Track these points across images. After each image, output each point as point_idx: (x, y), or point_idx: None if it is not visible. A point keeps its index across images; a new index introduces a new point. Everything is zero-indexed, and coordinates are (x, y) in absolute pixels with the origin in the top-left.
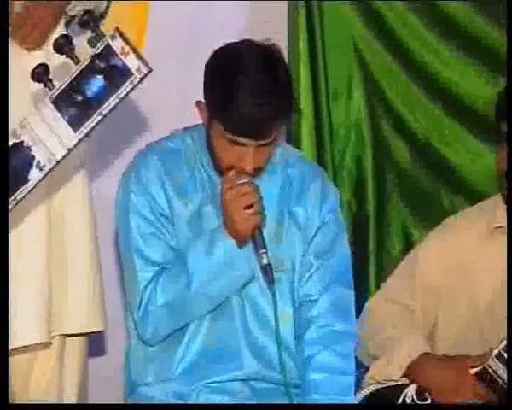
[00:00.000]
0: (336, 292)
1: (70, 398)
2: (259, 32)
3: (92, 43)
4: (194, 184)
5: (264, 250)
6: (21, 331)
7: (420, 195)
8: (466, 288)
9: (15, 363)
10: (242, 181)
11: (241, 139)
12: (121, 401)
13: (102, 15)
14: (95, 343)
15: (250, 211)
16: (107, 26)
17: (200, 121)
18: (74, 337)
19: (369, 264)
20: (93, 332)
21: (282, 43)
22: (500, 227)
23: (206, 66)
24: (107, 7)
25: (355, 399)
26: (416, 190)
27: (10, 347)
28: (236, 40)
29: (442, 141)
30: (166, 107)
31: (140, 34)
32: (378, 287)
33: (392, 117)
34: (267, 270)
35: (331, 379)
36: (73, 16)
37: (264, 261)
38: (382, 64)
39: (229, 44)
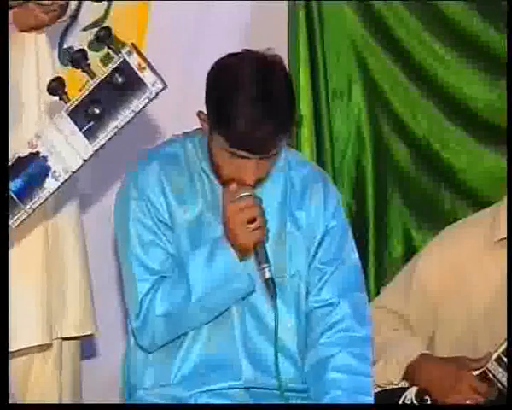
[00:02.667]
0: (354, 298)
1: (64, 401)
2: (259, 32)
3: (105, 61)
4: (195, 191)
5: (266, 265)
6: (24, 334)
7: (420, 196)
8: (464, 300)
9: (14, 366)
10: (245, 194)
11: (242, 153)
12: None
13: (103, 17)
14: (90, 346)
15: (252, 226)
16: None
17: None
18: (68, 341)
19: (369, 265)
20: (86, 335)
21: (282, 44)
22: (501, 240)
23: (206, 79)
24: (108, 8)
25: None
26: (416, 192)
27: (13, 349)
28: (237, 45)
29: (442, 143)
30: (166, 108)
31: (140, 35)
32: (378, 288)
33: (392, 119)
34: (270, 285)
35: (351, 379)
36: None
37: (267, 276)
38: (382, 65)
39: (229, 56)
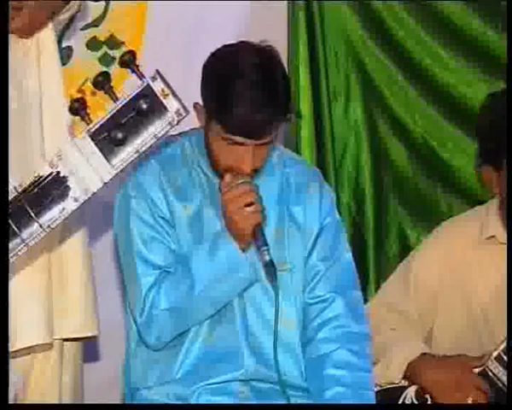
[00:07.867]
0: (349, 295)
1: (65, 401)
2: (259, 32)
3: (104, 61)
4: (193, 187)
5: (266, 247)
6: (25, 333)
7: (417, 197)
8: (461, 293)
9: (15, 366)
10: (241, 181)
11: (240, 139)
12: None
13: (101, 16)
14: (91, 349)
15: (250, 209)
16: (107, 27)
17: (198, 125)
18: (69, 342)
19: (369, 265)
20: (88, 337)
21: (282, 44)
22: (492, 237)
23: (203, 67)
24: (106, 8)
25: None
26: (414, 192)
27: (13, 348)
28: (234, 42)
29: (440, 143)
30: None
31: (139, 34)
32: (378, 287)
33: (390, 118)
34: (270, 267)
35: (351, 375)
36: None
37: (267, 258)
38: (381, 65)
39: (226, 46)
